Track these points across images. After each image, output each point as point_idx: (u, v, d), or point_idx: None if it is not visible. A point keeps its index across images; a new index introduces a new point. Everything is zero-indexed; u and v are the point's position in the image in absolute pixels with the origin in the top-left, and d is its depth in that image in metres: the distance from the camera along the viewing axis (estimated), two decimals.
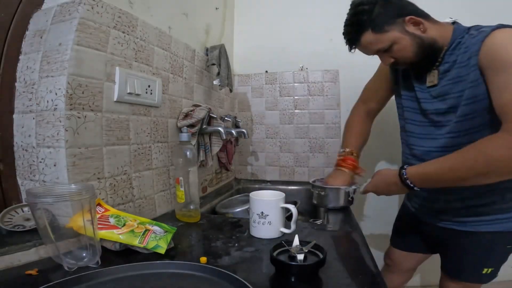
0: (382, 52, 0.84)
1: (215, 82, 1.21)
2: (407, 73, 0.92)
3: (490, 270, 0.87)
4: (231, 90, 1.34)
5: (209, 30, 1.30)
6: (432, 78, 0.83)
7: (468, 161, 0.67)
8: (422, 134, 0.88)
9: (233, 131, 1.13)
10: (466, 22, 0.82)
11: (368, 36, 0.81)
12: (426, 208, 0.96)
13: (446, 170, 0.71)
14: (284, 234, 0.74)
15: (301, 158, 1.58)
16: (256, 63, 1.63)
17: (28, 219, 0.65)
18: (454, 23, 0.81)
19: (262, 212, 0.73)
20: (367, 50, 0.86)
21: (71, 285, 0.47)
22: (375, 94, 1.11)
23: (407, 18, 0.78)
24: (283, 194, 0.77)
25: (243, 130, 1.22)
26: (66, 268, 0.53)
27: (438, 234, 0.94)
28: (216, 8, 1.41)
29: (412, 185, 0.78)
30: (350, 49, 0.89)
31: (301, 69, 1.58)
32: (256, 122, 1.64)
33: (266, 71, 1.62)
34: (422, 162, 0.81)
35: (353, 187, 1.01)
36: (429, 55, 0.80)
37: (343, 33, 0.88)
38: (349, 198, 1.01)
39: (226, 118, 1.34)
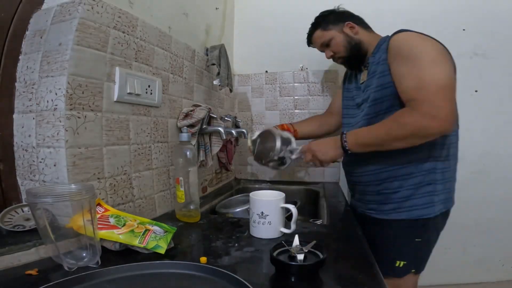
0: (324, 47, 1.10)
1: (215, 82, 1.21)
2: (349, 80, 1.14)
3: (402, 263, 0.93)
4: (231, 90, 1.34)
5: (209, 30, 1.30)
6: (363, 76, 1.04)
7: (387, 126, 0.83)
8: (355, 124, 1.02)
9: (233, 131, 1.13)
10: None
11: (318, 33, 1.10)
12: (358, 195, 1.07)
13: (373, 132, 0.87)
14: (284, 234, 0.74)
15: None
16: (256, 63, 1.64)
17: (28, 219, 0.65)
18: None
19: (262, 212, 0.73)
20: (316, 43, 1.13)
21: (71, 285, 0.47)
22: (334, 106, 1.28)
23: (346, 22, 1.04)
24: (283, 194, 0.77)
25: (243, 130, 1.22)
26: (66, 268, 0.53)
27: (367, 224, 0.99)
28: (216, 8, 1.41)
29: (346, 143, 0.89)
30: (307, 43, 1.17)
31: (301, 69, 1.58)
32: (256, 122, 1.63)
33: (266, 71, 1.62)
34: None
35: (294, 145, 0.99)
36: (356, 53, 1.03)
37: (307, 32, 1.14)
38: (289, 154, 0.98)
39: (226, 118, 1.34)
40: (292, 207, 0.72)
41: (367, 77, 0.99)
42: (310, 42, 1.15)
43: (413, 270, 0.95)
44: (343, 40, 1.03)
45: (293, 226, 0.73)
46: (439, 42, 0.86)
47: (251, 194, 0.77)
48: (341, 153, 0.91)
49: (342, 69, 1.52)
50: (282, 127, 1.20)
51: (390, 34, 0.94)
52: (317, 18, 1.11)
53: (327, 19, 1.07)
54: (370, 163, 0.96)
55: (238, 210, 1.05)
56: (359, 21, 1.06)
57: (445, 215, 0.95)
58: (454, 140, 0.94)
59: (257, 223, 0.74)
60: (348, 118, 1.09)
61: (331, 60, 1.57)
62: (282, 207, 0.74)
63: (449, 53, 0.86)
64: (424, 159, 0.90)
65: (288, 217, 0.76)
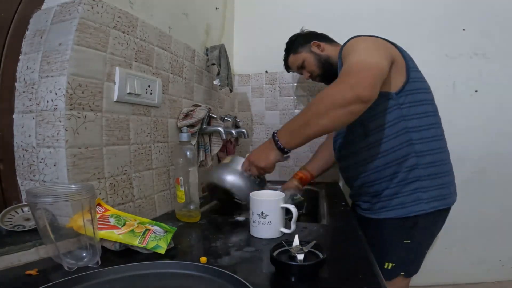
0: (300, 69, 1.21)
1: (215, 82, 1.21)
2: None
3: (391, 265, 0.92)
4: (231, 90, 1.34)
5: (209, 30, 1.30)
6: None
7: (312, 104, 0.78)
8: (336, 140, 1.05)
9: (233, 131, 1.13)
10: None
11: (291, 58, 1.22)
12: (355, 198, 1.07)
13: (297, 117, 0.81)
14: (284, 234, 0.74)
15: (301, 158, 1.58)
16: (256, 63, 1.64)
17: (28, 219, 0.65)
18: None
19: (262, 212, 0.73)
20: (292, 68, 1.25)
21: (71, 285, 0.47)
22: None
23: (312, 42, 1.16)
24: (283, 194, 0.77)
25: (243, 130, 1.22)
26: (66, 268, 0.53)
27: (362, 226, 0.93)
28: (216, 8, 1.41)
29: (278, 139, 0.83)
30: (286, 68, 1.31)
31: None
32: (256, 122, 1.63)
33: (266, 71, 1.62)
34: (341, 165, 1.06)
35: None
36: (328, 68, 1.12)
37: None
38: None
39: (226, 118, 1.34)
40: (292, 207, 0.72)
41: None
42: (288, 67, 1.26)
43: (402, 273, 0.92)
44: (314, 59, 1.14)
45: (293, 226, 0.73)
46: (386, 40, 0.89)
47: (251, 194, 0.77)
48: (279, 153, 0.84)
49: None
50: (299, 177, 1.20)
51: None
52: (287, 44, 1.22)
53: (296, 43, 1.19)
54: (360, 167, 0.96)
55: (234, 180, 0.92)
56: (323, 38, 1.17)
57: (440, 213, 0.90)
58: (435, 133, 0.90)
59: (257, 223, 0.74)
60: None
61: None
62: (282, 207, 0.74)
63: (398, 49, 0.88)
64: (404, 157, 0.88)
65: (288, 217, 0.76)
